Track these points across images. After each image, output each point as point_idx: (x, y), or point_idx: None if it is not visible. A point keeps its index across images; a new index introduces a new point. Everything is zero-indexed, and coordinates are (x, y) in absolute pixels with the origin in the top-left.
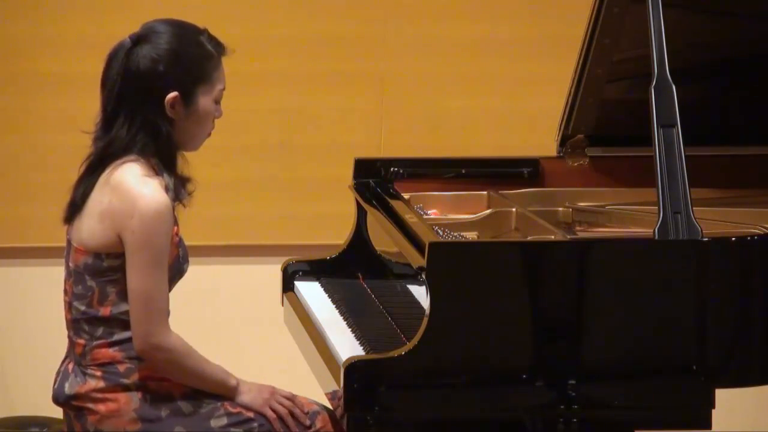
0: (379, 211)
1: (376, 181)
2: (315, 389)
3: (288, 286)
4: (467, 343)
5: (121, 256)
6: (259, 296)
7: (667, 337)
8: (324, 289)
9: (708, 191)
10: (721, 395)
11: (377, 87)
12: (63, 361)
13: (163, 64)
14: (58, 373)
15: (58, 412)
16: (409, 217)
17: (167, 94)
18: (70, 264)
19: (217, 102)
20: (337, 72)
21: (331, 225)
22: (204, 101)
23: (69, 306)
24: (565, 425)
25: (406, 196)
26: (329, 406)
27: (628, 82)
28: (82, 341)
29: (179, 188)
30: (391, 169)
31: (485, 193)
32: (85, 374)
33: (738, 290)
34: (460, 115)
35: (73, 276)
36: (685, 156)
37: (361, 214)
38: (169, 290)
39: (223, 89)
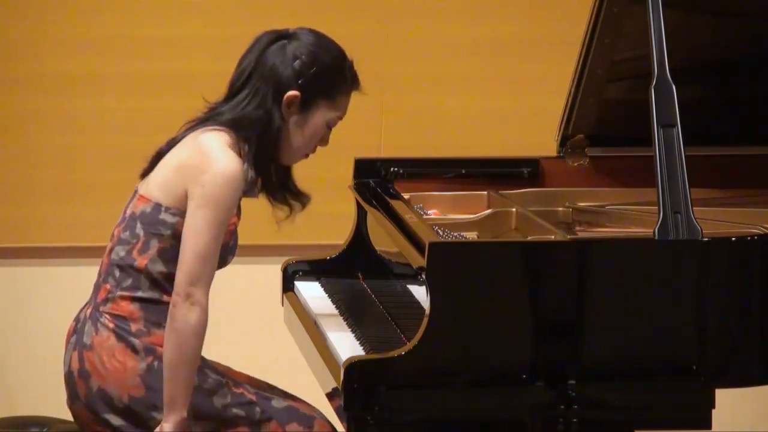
0: (379, 211)
1: (376, 181)
2: (315, 389)
3: (288, 286)
4: (467, 343)
5: (178, 214)
6: (259, 296)
7: (667, 337)
8: (324, 289)
9: (708, 191)
10: (722, 395)
11: (377, 87)
12: (82, 309)
13: (300, 62)
14: (76, 320)
15: (58, 413)
16: (409, 217)
17: (290, 90)
18: (128, 211)
19: (329, 127)
20: None
21: (331, 225)
22: (319, 116)
23: (110, 251)
24: (565, 425)
25: (406, 196)
26: (330, 408)
27: (628, 82)
28: (108, 286)
29: (253, 184)
30: (391, 169)
31: (485, 193)
32: (98, 322)
33: (738, 290)
34: (460, 115)
35: (126, 221)
36: (685, 156)
37: (361, 214)
38: None
39: (340, 118)
